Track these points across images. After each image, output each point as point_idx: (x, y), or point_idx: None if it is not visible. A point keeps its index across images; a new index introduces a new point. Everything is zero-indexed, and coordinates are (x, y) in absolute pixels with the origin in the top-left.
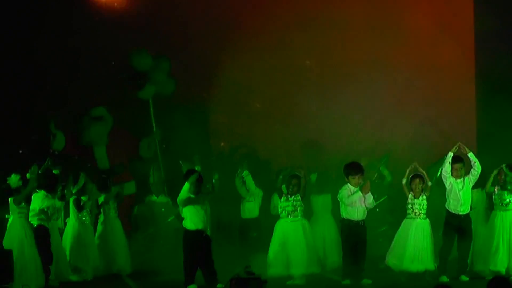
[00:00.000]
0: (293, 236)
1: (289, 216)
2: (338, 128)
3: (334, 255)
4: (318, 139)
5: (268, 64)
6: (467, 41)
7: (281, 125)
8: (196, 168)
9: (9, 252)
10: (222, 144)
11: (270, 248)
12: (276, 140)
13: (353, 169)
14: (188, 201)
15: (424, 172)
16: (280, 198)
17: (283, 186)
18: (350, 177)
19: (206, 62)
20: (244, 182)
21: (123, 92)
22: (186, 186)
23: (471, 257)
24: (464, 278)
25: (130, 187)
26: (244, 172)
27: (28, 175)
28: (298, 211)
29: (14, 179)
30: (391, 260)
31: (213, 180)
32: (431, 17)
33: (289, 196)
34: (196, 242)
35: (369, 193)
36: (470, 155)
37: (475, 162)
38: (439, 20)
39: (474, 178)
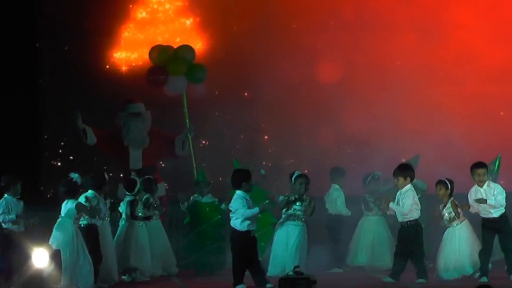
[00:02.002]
0: None
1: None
2: (385, 128)
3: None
4: (366, 139)
5: (312, 63)
6: None
7: (328, 126)
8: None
9: (57, 252)
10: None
11: None
12: (325, 140)
13: None
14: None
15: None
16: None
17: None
18: None
19: (248, 60)
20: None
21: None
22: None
23: None
24: None
25: (160, 190)
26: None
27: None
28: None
29: (77, 176)
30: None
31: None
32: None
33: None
34: (245, 242)
35: None
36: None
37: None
38: (489, 20)
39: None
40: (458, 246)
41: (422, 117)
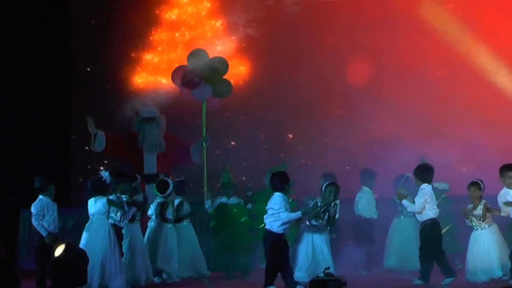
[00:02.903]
0: None
1: None
2: (411, 129)
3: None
4: (392, 139)
5: (340, 65)
6: None
7: (355, 126)
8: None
9: (84, 253)
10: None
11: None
12: (352, 141)
13: None
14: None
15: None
16: None
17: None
18: None
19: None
20: None
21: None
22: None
23: None
24: None
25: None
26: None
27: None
28: None
29: (106, 174)
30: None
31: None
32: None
33: None
34: (279, 244)
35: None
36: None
37: None
38: None
39: None
40: (487, 248)
41: (449, 117)
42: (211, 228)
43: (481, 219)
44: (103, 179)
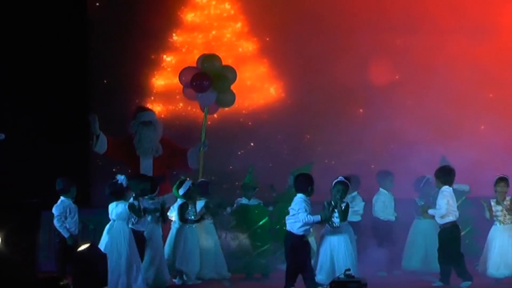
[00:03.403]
0: None
1: None
2: (432, 130)
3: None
4: (413, 140)
5: (362, 66)
6: None
7: (376, 127)
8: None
9: (103, 256)
10: None
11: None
12: (372, 141)
13: None
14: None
15: None
16: None
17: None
18: None
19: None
20: None
21: None
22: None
23: None
24: None
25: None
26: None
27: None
28: None
29: (123, 178)
30: (481, 266)
31: None
32: None
33: None
34: (300, 246)
35: None
36: None
37: None
38: None
39: None
40: (510, 244)
41: (468, 118)
42: (231, 229)
43: (508, 215)
44: (119, 182)
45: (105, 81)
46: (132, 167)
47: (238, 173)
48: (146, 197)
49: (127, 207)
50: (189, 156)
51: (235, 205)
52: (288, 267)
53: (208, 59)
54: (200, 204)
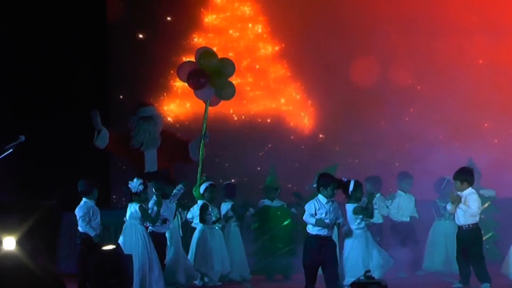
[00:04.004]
0: None
1: None
2: (454, 131)
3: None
4: (434, 141)
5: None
6: None
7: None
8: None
9: (129, 257)
10: None
11: None
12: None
13: None
14: None
15: None
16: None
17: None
18: None
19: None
20: None
21: None
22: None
23: None
24: None
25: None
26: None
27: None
28: None
29: (135, 184)
30: (504, 269)
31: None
32: None
33: None
34: (314, 245)
35: None
36: None
37: None
38: None
39: None
40: None
41: (488, 120)
42: (253, 230)
43: None
44: (128, 186)
45: (124, 84)
46: (137, 161)
47: (260, 174)
48: (167, 200)
49: (137, 208)
50: (191, 147)
51: (258, 206)
52: (304, 268)
53: (205, 55)
54: (226, 206)
